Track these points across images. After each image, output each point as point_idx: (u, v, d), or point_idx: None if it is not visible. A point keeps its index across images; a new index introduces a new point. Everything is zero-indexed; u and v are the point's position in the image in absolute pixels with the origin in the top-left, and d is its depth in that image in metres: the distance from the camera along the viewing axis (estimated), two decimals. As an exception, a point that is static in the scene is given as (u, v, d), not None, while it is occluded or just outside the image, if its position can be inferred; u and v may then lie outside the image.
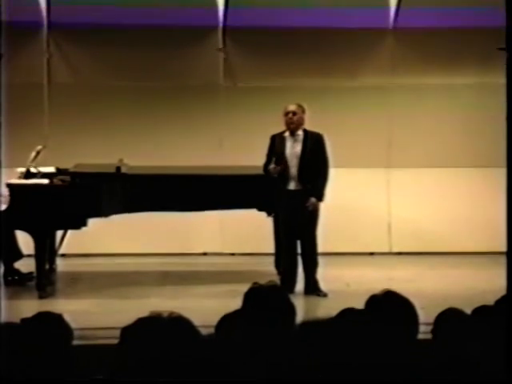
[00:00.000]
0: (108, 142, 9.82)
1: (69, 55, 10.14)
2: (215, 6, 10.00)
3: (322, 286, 7.65)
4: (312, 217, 7.63)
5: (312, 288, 7.61)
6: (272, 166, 7.64)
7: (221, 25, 10.16)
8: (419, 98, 10.25)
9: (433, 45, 10.14)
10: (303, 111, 7.77)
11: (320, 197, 7.64)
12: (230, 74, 10.27)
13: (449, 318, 3.62)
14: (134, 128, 10.04)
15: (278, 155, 7.71)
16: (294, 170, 7.67)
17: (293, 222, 7.66)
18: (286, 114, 7.72)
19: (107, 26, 9.93)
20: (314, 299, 7.41)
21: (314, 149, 7.67)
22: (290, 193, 7.67)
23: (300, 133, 7.72)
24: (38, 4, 9.87)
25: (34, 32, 9.99)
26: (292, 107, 7.73)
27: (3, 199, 7.68)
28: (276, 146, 7.76)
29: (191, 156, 9.70)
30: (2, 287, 7.61)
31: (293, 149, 7.70)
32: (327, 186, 7.68)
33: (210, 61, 10.18)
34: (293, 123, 7.70)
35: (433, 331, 3.56)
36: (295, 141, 7.71)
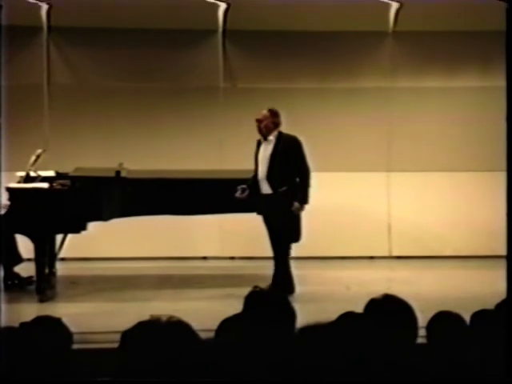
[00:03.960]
0: (107, 144, 9.84)
1: (68, 57, 10.14)
2: (215, 7, 10.01)
3: (322, 289, 7.64)
4: (286, 221, 7.58)
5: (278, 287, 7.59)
6: (237, 193, 7.77)
7: (221, 26, 10.18)
8: (419, 101, 10.24)
9: (433, 47, 10.14)
10: (273, 115, 7.76)
11: (302, 200, 7.62)
12: (230, 75, 10.27)
13: (440, 321, 3.63)
14: (134, 129, 10.05)
15: (255, 160, 7.80)
16: (264, 174, 7.69)
17: (269, 226, 7.68)
18: (255, 121, 7.78)
19: (107, 27, 9.94)
20: (313, 303, 7.39)
21: (286, 152, 7.66)
22: (263, 197, 7.72)
23: (271, 138, 7.73)
24: (37, 5, 9.86)
25: (33, 33, 9.99)
26: (259, 115, 7.78)
27: (3, 207, 7.69)
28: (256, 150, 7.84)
29: (191, 157, 9.71)
30: (2, 291, 7.60)
31: (264, 153, 7.75)
32: (309, 188, 7.67)
33: (210, 62, 10.19)
34: (261, 130, 7.76)
35: (426, 335, 3.58)
36: (267, 145, 7.76)
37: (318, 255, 9.84)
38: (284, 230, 7.66)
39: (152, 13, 9.85)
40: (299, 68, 10.19)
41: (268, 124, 7.75)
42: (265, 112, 7.77)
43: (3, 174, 8.21)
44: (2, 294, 7.27)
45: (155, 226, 9.42)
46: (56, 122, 10.01)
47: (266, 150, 7.73)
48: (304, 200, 7.64)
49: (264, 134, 7.76)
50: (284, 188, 7.60)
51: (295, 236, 7.71)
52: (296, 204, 7.59)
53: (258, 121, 7.77)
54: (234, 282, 8.33)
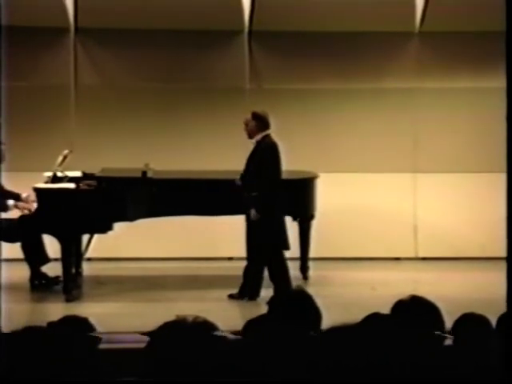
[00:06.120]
0: (134, 144, 9.86)
1: (95, 57, 10.18)
2: (241, 8, 10.01)
3: (348, 290, 7.62)
4: (256, 228, 7.51)
5: (244, 293, 7.59)
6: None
7: (246, 27, 10.18)
8: (445, 101, 10.20)
9: (459, 48, 10.10)
10: (255, 119, 7.61)
11: (256, 209, 7.44)
12: (256, 76, 10.27)
13: (466, 323, 3.62)
14: (160, 130, 10.07)
15: None
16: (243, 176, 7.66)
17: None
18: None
19: (133, 28, 9.97)
20: (339, 304, 7.36)
21: (260, 159, 7.56)
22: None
23: (254, 141, 7.66)
24: (64, 7, 9.91)
25: (60, 34, 10.03)
26: (244, 118, 7.70)
27: (28, 208, 7.72)
28: None
29: (216, 158, 9.71)
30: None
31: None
32: (266, 198, 7.48)
33: (236, 63, 10.20)
34: (247, 133, 7.67)
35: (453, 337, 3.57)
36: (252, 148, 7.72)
37: (344, 256, 9.82)
38: (252, 234, 7.56)
39: (178, 14, 9.87)
40: (325, 69, 10.17)
41: (252, 127, 7.64)
42: (249, 115, 7.68)
43: (31, 174, 8.30)
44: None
45: (181, 227, 9.44)
46: (83, 122, 10.05)
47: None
48: (257, 209, 7.43)
49: (250, 137, 7.68)
50: (255, 193, 7.47)
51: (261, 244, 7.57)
52: (252, 211, 7.45)
53: (245, 124, 7.69)
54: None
